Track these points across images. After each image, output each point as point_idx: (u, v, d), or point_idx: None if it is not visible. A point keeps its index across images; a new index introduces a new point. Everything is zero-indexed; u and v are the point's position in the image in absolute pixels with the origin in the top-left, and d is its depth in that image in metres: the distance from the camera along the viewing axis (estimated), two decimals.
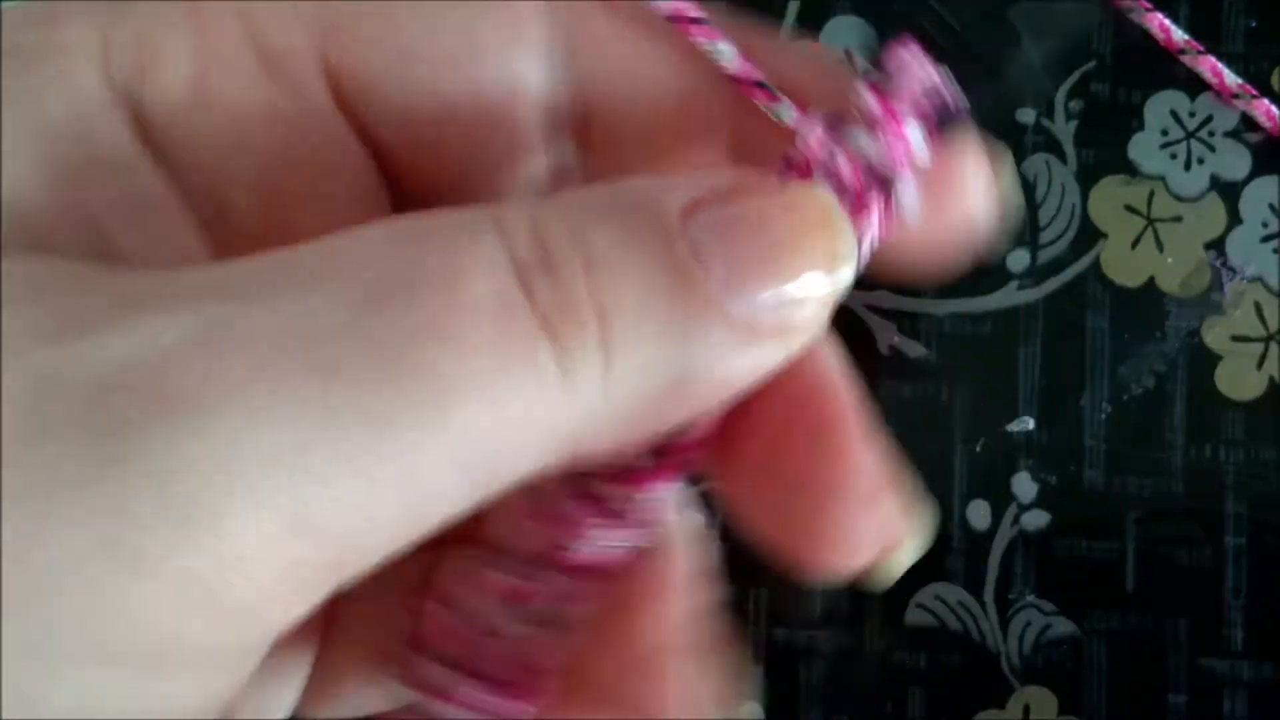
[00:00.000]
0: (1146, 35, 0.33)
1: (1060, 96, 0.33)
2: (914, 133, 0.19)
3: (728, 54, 0.20)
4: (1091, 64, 0.33)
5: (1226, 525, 0.31)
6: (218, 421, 0.14)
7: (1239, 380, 0.32)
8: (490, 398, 0.15)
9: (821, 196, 0.18)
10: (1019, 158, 0.33)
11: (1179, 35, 0.33)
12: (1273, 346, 0.32)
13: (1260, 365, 0.32)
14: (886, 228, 0.19)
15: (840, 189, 0.19)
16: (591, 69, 0.21)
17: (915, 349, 0.32)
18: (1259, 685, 0.31)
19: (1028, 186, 0.33)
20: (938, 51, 0.20)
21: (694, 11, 0.21)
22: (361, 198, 0.21)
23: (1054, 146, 0.33)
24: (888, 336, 0.32)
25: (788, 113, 0.20)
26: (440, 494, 0.16)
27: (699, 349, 0.17)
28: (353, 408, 0.15)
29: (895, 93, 0.19)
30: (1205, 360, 0.32)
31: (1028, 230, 0.33)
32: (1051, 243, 0.32)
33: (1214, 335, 0.32)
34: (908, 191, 0.19)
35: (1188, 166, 0.33)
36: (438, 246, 0.16)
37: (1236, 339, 0.32)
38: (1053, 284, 0.32)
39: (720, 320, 0.17)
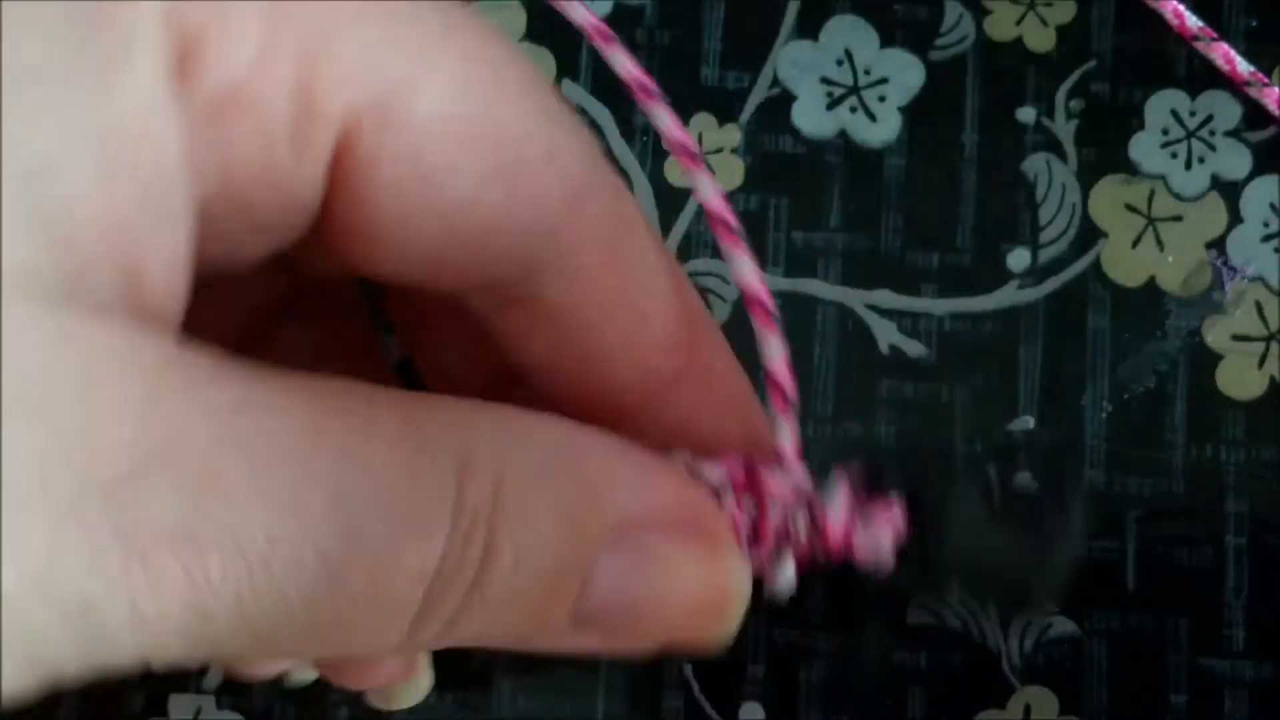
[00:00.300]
0: (1147, 33, 0.33)
1: (1060, 96, 0.33)
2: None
3: (775, 350, 0.20)
4: (1091, 63, 0.33)
5: (1227, 525, 0.31)
6: None
7: (1240, 380, 0.32)
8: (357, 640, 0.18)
9: (739, 586, 0.19)
10: (1019, 157, 0.33)
11: (1193, 22, 0.32)
12: (1274, 346, 0.32)
13: (1261, 365, 0.32)
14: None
15: (755, 530, 0.20)
16: (579, 280, 0.20)
17: (915, 348, 0.32)
18: (1260, 685, 0.31)
19: (1028, 186, 0.33)
20: (917, 528, 0.21)
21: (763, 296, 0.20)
22: (275, 265, 0.20)
23: (1054, 146, 0.33)
24: (887, 336, 0.32)
25: (785, 437, 0.20)
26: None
27: (538, 638, 0.19)
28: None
29: (855, 523, 0.20)
30: (1206, 360, 0.32)
31: (1028, 230, 0.33)
32: (1052, 242, 0.32)
33: (1215, 335, 0.32)
34: (785, 576, 0.21)
35: (1188, 166, 0.33)
36: (399, 523, 0.17)
37: (1237, 338, 0.32)
38: (1053, 284, 0.32)
39: (572, 623, 0.18)
